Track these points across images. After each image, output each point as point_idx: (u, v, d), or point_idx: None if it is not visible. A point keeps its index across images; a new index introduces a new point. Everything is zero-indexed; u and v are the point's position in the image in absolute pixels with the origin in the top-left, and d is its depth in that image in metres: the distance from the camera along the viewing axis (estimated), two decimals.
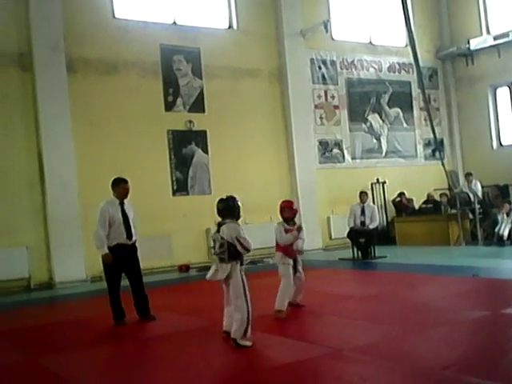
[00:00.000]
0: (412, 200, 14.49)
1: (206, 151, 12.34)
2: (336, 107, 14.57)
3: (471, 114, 16.29)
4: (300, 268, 6.60)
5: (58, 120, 10.45)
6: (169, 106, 12.08)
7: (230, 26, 13.14)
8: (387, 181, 14.34)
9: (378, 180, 14.30)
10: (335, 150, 14.42)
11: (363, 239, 11.14)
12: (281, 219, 6.51)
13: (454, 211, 12.90)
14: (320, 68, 14.36)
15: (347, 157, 14.60)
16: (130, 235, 6.50)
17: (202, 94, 12.44)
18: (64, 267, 10.22)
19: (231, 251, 5.05)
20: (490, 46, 15.18)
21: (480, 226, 12.69)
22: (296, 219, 6.62)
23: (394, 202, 14.59)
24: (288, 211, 6.48)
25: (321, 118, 14.30)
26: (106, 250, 6.34)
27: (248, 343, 4.98)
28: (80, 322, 6.82)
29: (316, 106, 14.24)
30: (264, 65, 13.39)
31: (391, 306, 6.60)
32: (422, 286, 7.88)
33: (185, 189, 12.09)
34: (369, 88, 15.18)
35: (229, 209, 5.21)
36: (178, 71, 12.27)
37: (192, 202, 11.59)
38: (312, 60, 14.24)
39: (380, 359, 4.48)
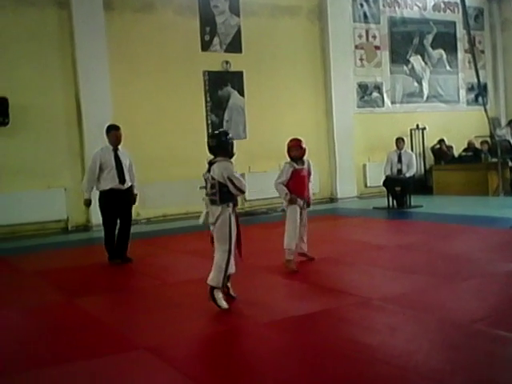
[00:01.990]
0: (452, 147, 14.16)
1: (241, 93, 12.18)
2: (377, 48, 14.13)
3: None
4: (304, 212, 6.34)
5: (95, 59, 10.40)
6: (205, 46, 11.88)
7: None
8: (427, 127, 14.00)
9: (417, 126, 13.98)
10: (375, 94, 14.07)
11: (399, 188, 10.95)
12: (288, 159, 6.18)
13: (494, 160, 12.58)
14: (362, 5, 13.84)
15: (387, 101, 14.23)
16: (122, 180, 6.79)
17: (239, 32, 12.19)
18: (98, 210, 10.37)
19: (223, 192, 4.60)
20: None
21: None
22: (305, 158, 6.27)
23: (433, 149, 14.28)
24: (295, 150, 6.13)
25: (361, 59, 13.90)
26: (87, 196, 6.81)
27: (225, 305, 4.62)
28: (117, 265, 6.95)
29: (356, 47, 13.82)
30: (304, 1, 12.98)
31: (424, 256, 6.55)
32: (457, 236, 7.79)
33: None
34: (412, 28, 14.63)
35: (221, 145, 4.71)
36: (215, 8, 11.99)
37: None
38: None
39: (410, 310, 4.49)
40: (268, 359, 3.69)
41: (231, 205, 4.69)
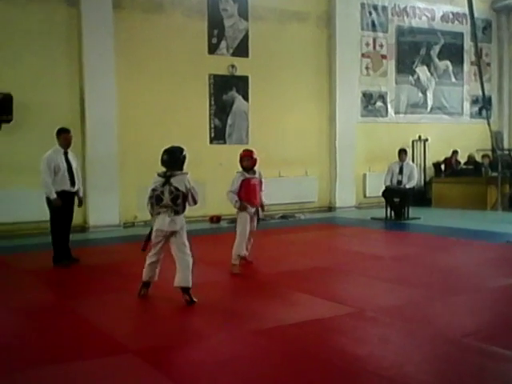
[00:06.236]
0: (460, 163, 14.14)
1: (246, 98, 12.16)
2: (384, 57, 14.11)
3: None
4: (254, 220, 6.64)
5: (102, 58, 10.39)
6: (212, 49, 11.87)
7: None
8: (429, 138, 13.98)
9: (419, 137, 13.96)
10: (379, 103, 14.06)
11: (398, 199, 10.98)
12: (240, 168, 6.55)
13: (494, 174, 12.59)
14: (370, 14, 13.84)
15: (390, 111, 14.23)
16: (73, 183, 7.00)
17: (246, 36, 12.18)
18: (98, 211, 10.30)
19: (184, 203, 5.10)
20: None
21: None
22: (256, 168, 6.62)
23: (444, 161, 14.22)
24: (246, 160, 6.50)
25: (367, 67, 13.90)
26: (55, 195, 6.82)
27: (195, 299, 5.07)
28: (111, 267, 6.99)
29: (363, 55, 13.80)
30: (312, 7, 12.95)
31: (419, 268, 6.60)
32: (454, 250, 7.83)
33: (222, 137, 11.99)
34: (419, 38, 14.62)
35: (176, 160, 5.16)
36: (224, 11, 11.99)
37: (229, 151, 11.13)
38: (363, 4, 13.70)
39: (402, 322, 4.54)
40: (255, 368, 3.70)
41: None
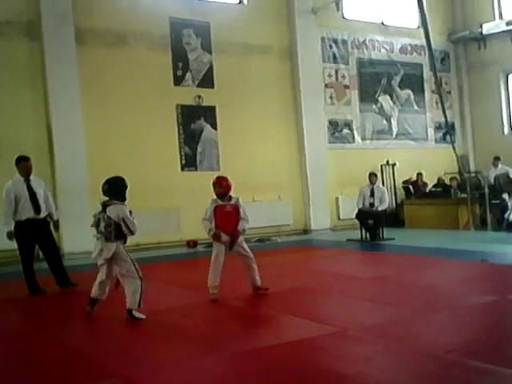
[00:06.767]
0: (427, 184, 14.41)
1: (214, 127, 12.29)
2: (346, 87, 14.41)
3: (482, 98, 16.15)
4: (244, 247, 6.32)
5: (67, 91, 10.40)
6: (178, 81, 12.00)
7: (241, 1, 13.02)
8: (397, 163, 14.25)
9: (387, 162, 14.23)
10: (345, 131, 14.31)
11: (372, 221, 11.06)
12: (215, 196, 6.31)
13: (464, 195, 12.80)
14: (331, 47, 14.19)
15: (357, 137, 14.48)
16: (37, 210, 6.84)
17: (211, 69, 12.35)
18: (72, 238, 10.29)
19: (117, 231, 5.34)
20: (503, 32, 15.04)
21: (490, 211, 12.55)
22: (233, 195, 6.32)
23: (406, 182, 14.47)
24: (218, 187, 6.26)
25: (331, 97, 14.15)
26: (10, 228, 6.73)
27: (143, 316, 5.30)
28: (86, 293, 6.80)
29: (326, 85, 14.08)
30: (274, 42, 13.25)
31: (397, 287, 6.57)
32: (430, 269, 7.82)
33: (193, 164, 12.13)
34: (380, 69, 15.01)
35: (116, 190, 5.44)
36: (187, 45, 12.17)
37: (200, 177, 11.33)
38: (323, 38, 14.07)
39: (385, 340, 4.46)
40: None
41: (122, 242, 5.46)
